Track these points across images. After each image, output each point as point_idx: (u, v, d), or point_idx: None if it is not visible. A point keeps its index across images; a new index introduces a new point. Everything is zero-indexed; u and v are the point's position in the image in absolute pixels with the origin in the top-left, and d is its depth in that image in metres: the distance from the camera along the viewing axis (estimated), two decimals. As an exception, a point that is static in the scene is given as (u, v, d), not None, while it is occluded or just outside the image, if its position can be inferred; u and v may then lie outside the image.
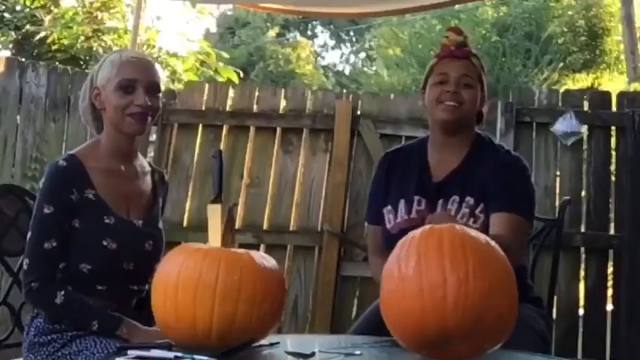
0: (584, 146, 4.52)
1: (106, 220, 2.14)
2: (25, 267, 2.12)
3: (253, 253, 1.85)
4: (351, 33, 24.09)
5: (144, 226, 2.23)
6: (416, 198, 2.35)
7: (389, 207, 2.40)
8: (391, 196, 2.42)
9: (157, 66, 2.30)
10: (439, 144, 2.43)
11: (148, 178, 2.32)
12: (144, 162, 2.34)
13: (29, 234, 2.14)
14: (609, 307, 4.45)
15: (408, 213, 2.37)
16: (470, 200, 2.30)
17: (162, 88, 2.28)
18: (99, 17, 7.63)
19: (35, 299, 2.11)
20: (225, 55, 8.33)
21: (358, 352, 1.82)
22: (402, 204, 2.37)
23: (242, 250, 1.84)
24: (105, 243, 2.12)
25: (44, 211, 2.10)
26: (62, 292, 2.07)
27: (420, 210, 2.34)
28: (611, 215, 4.46)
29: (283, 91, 4.84)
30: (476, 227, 2.13)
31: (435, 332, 1.59)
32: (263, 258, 1.85)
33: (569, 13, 14.22)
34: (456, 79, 2.34)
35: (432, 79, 2.40)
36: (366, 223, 2.58)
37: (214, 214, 1.91)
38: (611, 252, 4.43)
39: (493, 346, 1.66)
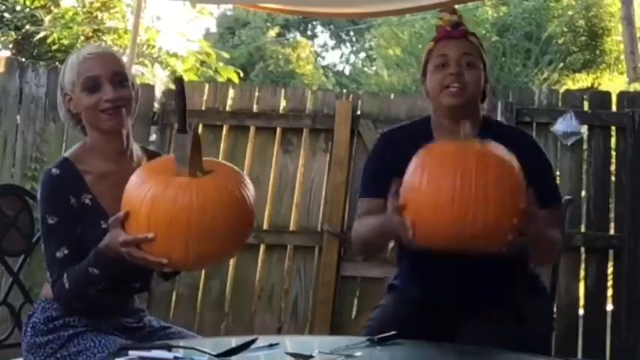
0: (584, 146, 4.53)
1: (103, 226, 2.10)
2: (49, 279, 2.11)
3: (219, 178, 1.92)
4: (351, 33, 24.07)
5: None
6: None
7: (390, 195, 2.21)
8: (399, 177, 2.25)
9: (118, 54, 2.28)
10: (447, 130, 2.29)
11: None
12: (139, 152, 2.28)
13: (42, 244, 2.13)
14: (609, 307, 4.45)
15: None
16: None
17: (131, 73, 2.22)
18: (99, 17, 7.63)
19: (59, 301, 2.10)
20: (225, 55, 8.33)
21: (358, 354, 1.82)
22: None
23: (211, 178, 1.89)
24: None
25: (48, 222, 2.09)
26: (65, 276, 2.05)
27: None
28: (611, 215, 4.46)
29: (283, 91, 4.84)
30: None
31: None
32: (227, 179, 1.93)
33: (569, 13, 14.23)
34: (457, 59, 2.24)
35: (431, 63, 2.30)
36: (358, 198, 2.39)
37: (182, 144, 1.91)
38: (611, 252, 4.43)
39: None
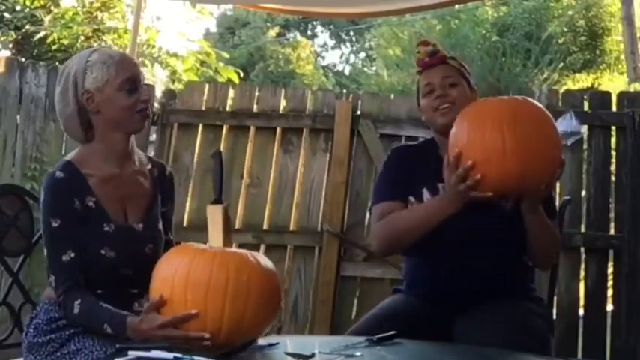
0: (584, 146, 4.53)
1: (106, 228, 2.11)
2: (53, 284, 2.09)
3: (254, 254, 1.91)
4: (351, 33, 24.08)
5: (144, 230, 2.20)
6: (440, 185, 2.34)
7: (411, 199, 2.41)
8: (411, 187, 2.43)
9: None
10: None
11: (148, 176, 2.29)
12: (143, 158, 2.30)
13: (45, 250, 2.11)
14: (609, 307, 4.45)
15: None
16: None
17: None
18: (99, 17, 7.64)
19: (63, 312, 2.09)
20: (225, 55, 8.33)
21: (358, 353, 1.82)
22: (426, 193, 2.40)
23: (245, 251, 1.89)
24: (103, 252, 2.10)
25: (52, 225, 2.07)
26: (78, 301, 2.04)
27: None
28: (611, 215, 4.46)
29: (283, 91, 4.84)
30: (508, 206, 2.30)
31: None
32: (263, 258, 1.91)
33: (569, 13, 14.24)
34: (440, 83, 2.47)
35: (421, 92, 2.53)
36: (373, 206, 2.51)
37: (215, 216, 1.92)
38: (611, 252, 4.43)
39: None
